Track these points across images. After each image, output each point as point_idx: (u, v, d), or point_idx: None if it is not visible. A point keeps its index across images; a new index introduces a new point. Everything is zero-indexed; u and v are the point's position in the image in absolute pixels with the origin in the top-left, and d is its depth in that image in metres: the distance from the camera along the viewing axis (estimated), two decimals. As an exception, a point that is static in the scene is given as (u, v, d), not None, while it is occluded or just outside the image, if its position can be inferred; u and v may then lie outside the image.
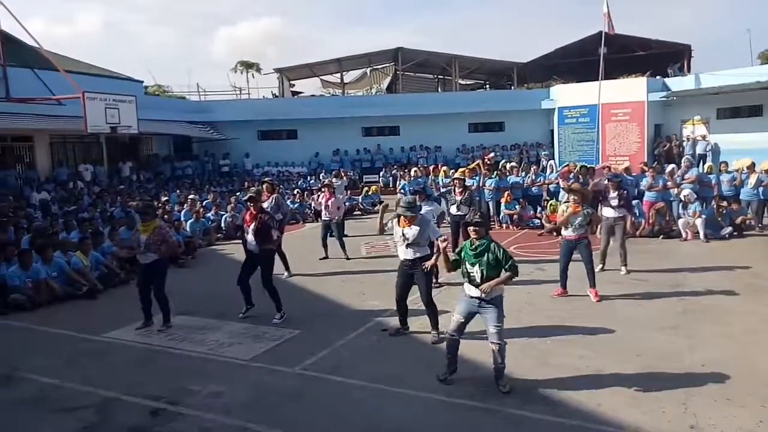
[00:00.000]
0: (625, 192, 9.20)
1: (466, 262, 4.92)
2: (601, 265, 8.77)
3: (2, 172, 17.16)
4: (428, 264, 5.93)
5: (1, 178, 16.95)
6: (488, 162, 16.23)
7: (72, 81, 15.31)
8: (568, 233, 7.54)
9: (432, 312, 6.17)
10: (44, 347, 6.48)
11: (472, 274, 4.86)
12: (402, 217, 6.09)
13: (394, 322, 6.63)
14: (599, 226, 9.08)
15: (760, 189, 11.85)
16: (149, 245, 6.70)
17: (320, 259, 10.61)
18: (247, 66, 39.21)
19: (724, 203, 11.68)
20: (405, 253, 6.12)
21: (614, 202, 8.85)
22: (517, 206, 13.60)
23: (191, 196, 15.11)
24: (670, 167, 13.14)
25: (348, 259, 10.52)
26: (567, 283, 7.66)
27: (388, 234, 12.39)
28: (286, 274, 9.31)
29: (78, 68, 19.73)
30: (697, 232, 11.19)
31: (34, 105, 16.46)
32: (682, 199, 11.66)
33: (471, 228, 5.00)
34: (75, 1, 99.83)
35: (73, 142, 19.98)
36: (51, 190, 16.11)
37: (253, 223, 7.06)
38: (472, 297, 4.91)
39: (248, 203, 7.39)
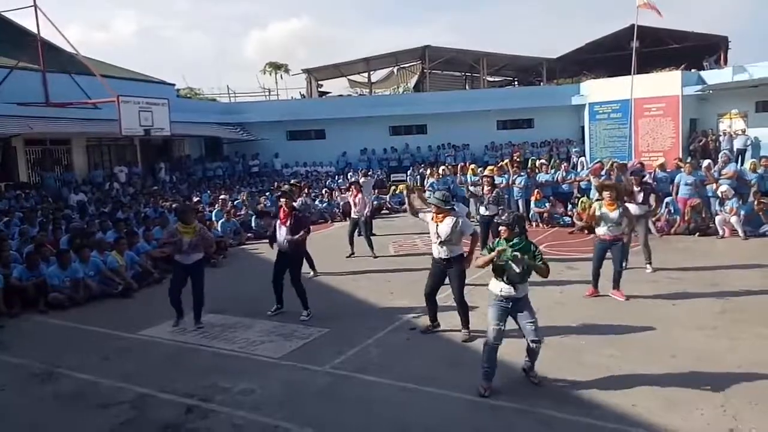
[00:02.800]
0: (648, 188, 8.96)
1: (507, 260, 4.78)
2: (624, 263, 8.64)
3: (42, 175, 17.73)
4: (480, 261, 5.24)
5: (41, 180, 17.52)
6: (517, 159, 16.06)
7: (107, 85, 15.77)
8: (602, 233, 7.34)
9: (463, 310, 6.13)
10: (82, 344, 6.67)
11: (512, 271, 4.74)
12: (435, 212, 6.06)
13: (423, 320, 6.63)
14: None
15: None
16: (197, 246, 6.87)
17: (347, 256, 10.67)
18: (276, 67, 39.69)
19: (765, 201, 11.28)
20: (439, 252, 6.08)
21: (639, 198, 8.63)
22: (547, 204, 13.41)
23: (222, 197, 15.34)
24: (706, 162, 12.76)
25: (375, 257, 10.54)
26: (599, 283, 7.49)
27: (420, 233, 12.38)
28: (311, 273, 9.37)
29: (113, 73, 20.26)
30: (735, 230, 10.84)
31: (71, 109, 16.99)
32: (720, 195, 11.31)
33: (502, 228, 4.95)
34: (111, 8, 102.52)
35: (108, 144, 20.51)
36: (87, 191, 16.57)
37: (288, 221, 7.12)
38: (505, 298, 4.81)
39: (280, 200, 7.42)
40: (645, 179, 9.71)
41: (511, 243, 4.86)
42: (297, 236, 7.09)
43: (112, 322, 7.41)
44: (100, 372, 5.70)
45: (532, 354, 4.87)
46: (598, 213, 7.34)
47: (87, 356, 6.18)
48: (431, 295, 6.30)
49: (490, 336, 4.81)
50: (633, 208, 8.59)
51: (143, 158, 21.78)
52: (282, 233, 7.15)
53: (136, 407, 4.91)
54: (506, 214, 5.01)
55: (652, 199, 8.86)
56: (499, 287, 4.85)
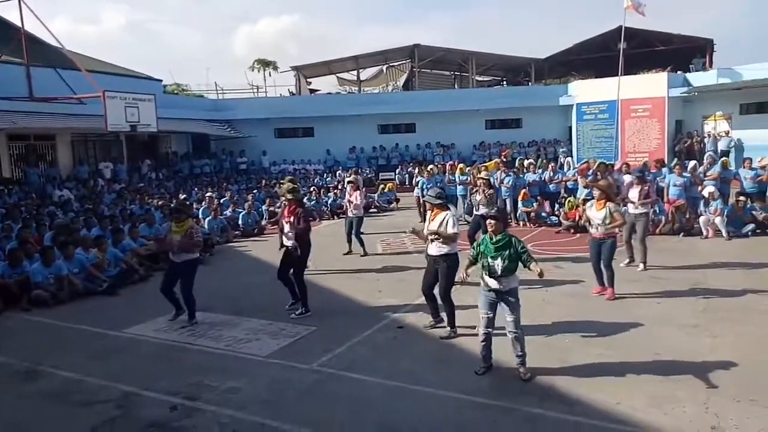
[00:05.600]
0: (647, 187, 9.05)
1: (488, 256, 5.03)
2: (627, 260, 8.78)
3: (26, 170, 17.48)
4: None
5: (24, 176, 17.28)
6: (504, 159, 16.12)
7: (93, 80, 15.57)
8: (593, 231, 7.39)
9: (449, 308, 6.17)
10: (66, 342, 6.60)
11: (493, 267, 4.98)
12: (431, 209, 6.23)
13: (410, 319, 6.66)
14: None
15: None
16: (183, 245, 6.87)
17: (344, 254, 10.74)
18: (264, 64, 39.49)
19: (742, 198, 11.46)
20: (431, 248, 6.19)
21: (635, 198, 8.78)
22: (534, 203, 13.48)
23: (208, 194, 15.24)
24: (692, 164, 12.92)
25: (364, 255, 10.57)
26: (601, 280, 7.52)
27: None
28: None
29: (99, 68, 20.01)
30: (719, 230, 10.99)
31: (56, 104, 16.76)
32: (705, 196, 11.46)
33: (489, 221, 5.17)
34: (99, 1, 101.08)
35: (93, 140, 20.26)
36: (72, 188, 16.38)
37: (292, 217, 7.15)
38: (490, 290, 5.04)
39: (287, 198, 7.41)
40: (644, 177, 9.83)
41: (495, 240, 5.07)
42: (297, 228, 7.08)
43: (96, 319, 7.33)
44: (84, 370, 5.64)
45: (513, 346, 5.05)
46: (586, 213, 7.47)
47: (71, 354, 6.12)
48: (428, 291, 6.35)
49: (480, 324, 5.12)
50: (630, 207, 8.75)
51: (129, 154, 21.56)
52: (287, 229, 7.18)
53: (120, 406, 4.86)
54: (494, 209, 5.17)
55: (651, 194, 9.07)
56: (488, 279, 5.06)
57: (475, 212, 9.49)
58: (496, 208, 5.16)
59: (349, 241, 10.87)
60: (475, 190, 10.10)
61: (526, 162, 14.94)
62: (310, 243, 7.43)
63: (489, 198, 9.35)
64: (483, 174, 9.93)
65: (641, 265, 8.68)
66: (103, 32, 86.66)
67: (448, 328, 6.16)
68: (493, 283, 5.00)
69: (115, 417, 4.68)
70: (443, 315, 6.31)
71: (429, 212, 6.37)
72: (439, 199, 6.25)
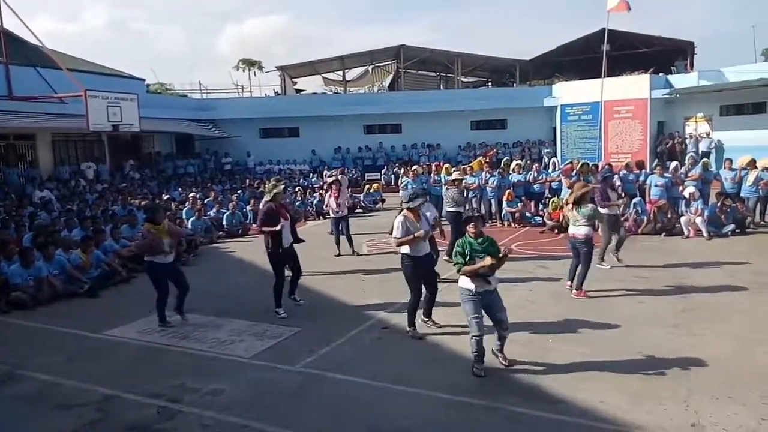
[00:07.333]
0: (611, 191, 9.15)
1: (475, 257, 5.10)
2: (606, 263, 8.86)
3: (5, 171, 17.17)
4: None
5: (3, 176, 16.97)
6: (489, 159, 16.18)
7: (74, 79, 15.35)
8: (573, 231, 7.46)
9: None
10: (45, 345, 6.50)
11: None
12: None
13: (396, 320, 6.65)
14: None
15: (759, 186, 11.84)
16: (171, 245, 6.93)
17: (336, 256, 10.65)
18: (249, 64, 39.30)
19: (728, 202, 11.63)
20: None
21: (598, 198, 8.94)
22: (519, 204, 13.56)
23: (192, 194, 15.10)
24: (673, 164, 13.07)
25: (338, 255, 10.61)
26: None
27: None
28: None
29: (80, 66, 19.73)
30: (700, 230, 11.15)
31: (36, 103, 16.49)
32: (686, 196, 11.62)
33: (470, 224, 5.27)
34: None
35: (75, 140, 19.97)
36: (53, 188, 16.13)
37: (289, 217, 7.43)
38: (479, 293, 5.10)
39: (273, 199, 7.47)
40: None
41: (480, 241, 5.18)
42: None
43: (77, 322, 7.23)
44: (63, 373, 5.56)
45: (502, 340, 5.24)
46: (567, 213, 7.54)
47: (50, 357, 6.02)
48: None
49: (474, 329, 5.05)
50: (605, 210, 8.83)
51: (111, 155, 21.29)
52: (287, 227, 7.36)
53: (101, 408, 4.80)
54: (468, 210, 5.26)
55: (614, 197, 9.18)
56: (473, 284, 5.10)
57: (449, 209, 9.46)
58: (472, 209, 5.26)
59: (338, 243, 10.81)
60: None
61: (513, 164, 14.99)
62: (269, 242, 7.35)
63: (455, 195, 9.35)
64: (457, 174, 9.91)
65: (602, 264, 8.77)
66: (85, 31, 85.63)
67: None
68: (487, 285, 5.10)
69: (95, 420, 4.62)
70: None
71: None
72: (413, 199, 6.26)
